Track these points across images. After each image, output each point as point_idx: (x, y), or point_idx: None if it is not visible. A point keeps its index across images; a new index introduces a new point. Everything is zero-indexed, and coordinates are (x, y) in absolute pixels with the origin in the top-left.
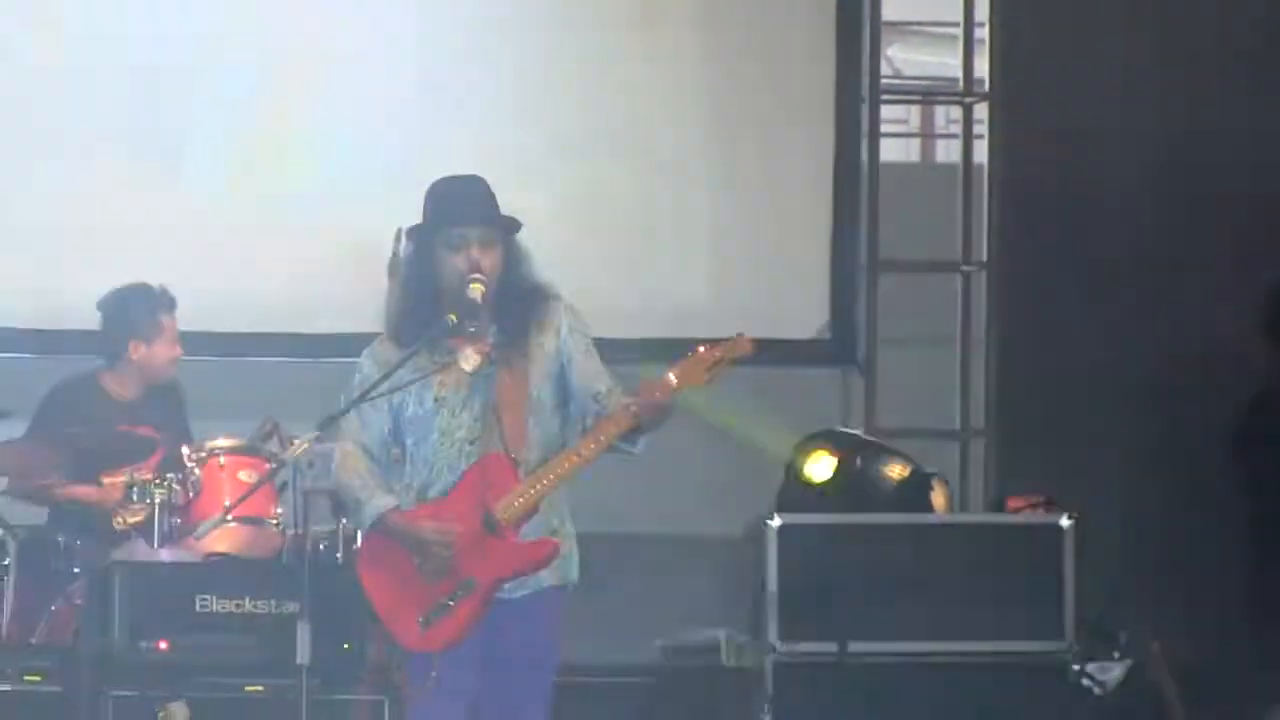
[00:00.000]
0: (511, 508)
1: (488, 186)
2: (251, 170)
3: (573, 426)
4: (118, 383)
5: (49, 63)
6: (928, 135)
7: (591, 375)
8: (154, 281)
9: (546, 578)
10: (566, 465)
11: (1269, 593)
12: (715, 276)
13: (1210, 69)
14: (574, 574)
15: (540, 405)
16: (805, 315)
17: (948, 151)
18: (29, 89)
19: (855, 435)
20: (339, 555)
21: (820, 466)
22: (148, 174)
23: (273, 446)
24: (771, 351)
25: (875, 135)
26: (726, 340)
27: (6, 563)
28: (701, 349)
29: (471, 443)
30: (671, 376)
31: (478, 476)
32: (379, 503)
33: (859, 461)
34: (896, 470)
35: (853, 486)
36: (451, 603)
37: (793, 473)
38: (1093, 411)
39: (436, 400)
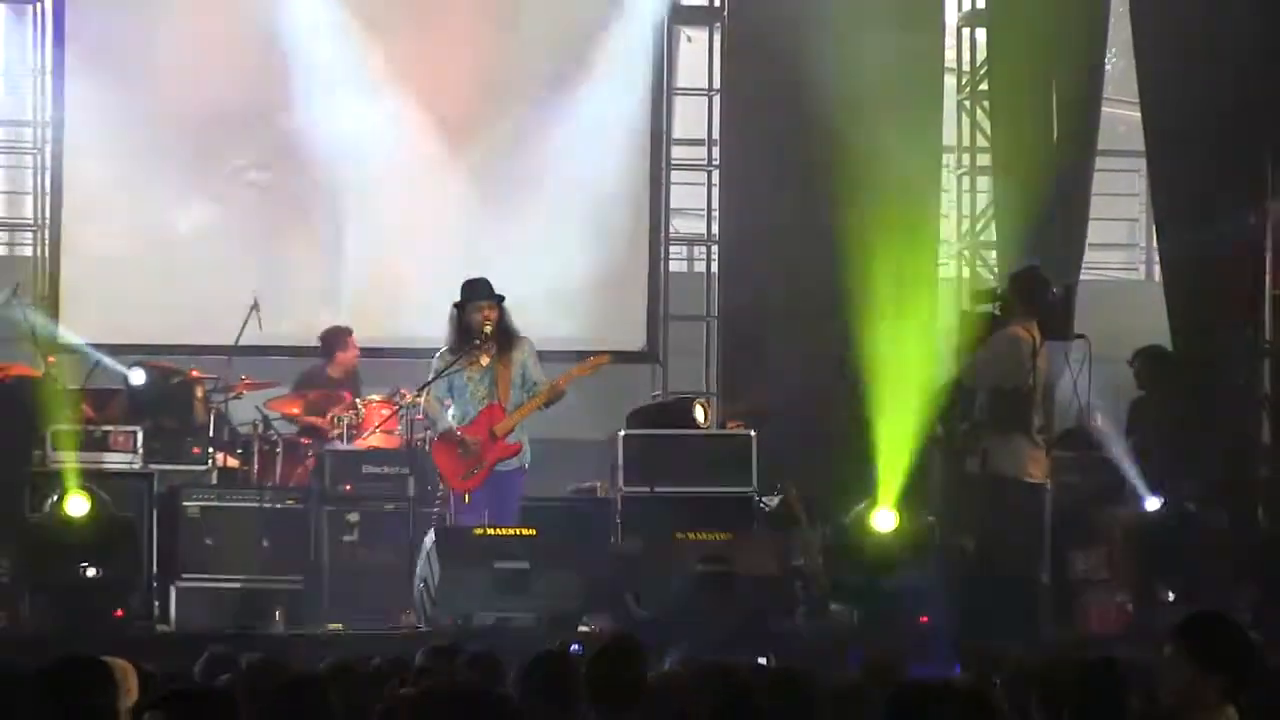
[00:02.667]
0: (502, 428)
1: (488, 280)
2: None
3: (527, 394)
4: (331, 370)
5: None
6: (690, 260)
7: (536, 374)
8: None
9: (516, 462)
10: (523, 412)
11: None
12: (589, 322)
13: None
14: (528, 459)
15: (515, 384)
16: (634, 339)
17: (702, 265)
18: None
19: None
20: (428, 448)
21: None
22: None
23: (396, 398)
24: (618, 356)
25: (667, 258)
26: (599, 355)
27: (279, 450)
28: (588, 359)
29: (483, 399)
30: (574, 371)
31: (487, 414)
32: (447, 422)
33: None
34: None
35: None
36: (475, 471)
37: None
38: (775, 382)
39: (468, 379)
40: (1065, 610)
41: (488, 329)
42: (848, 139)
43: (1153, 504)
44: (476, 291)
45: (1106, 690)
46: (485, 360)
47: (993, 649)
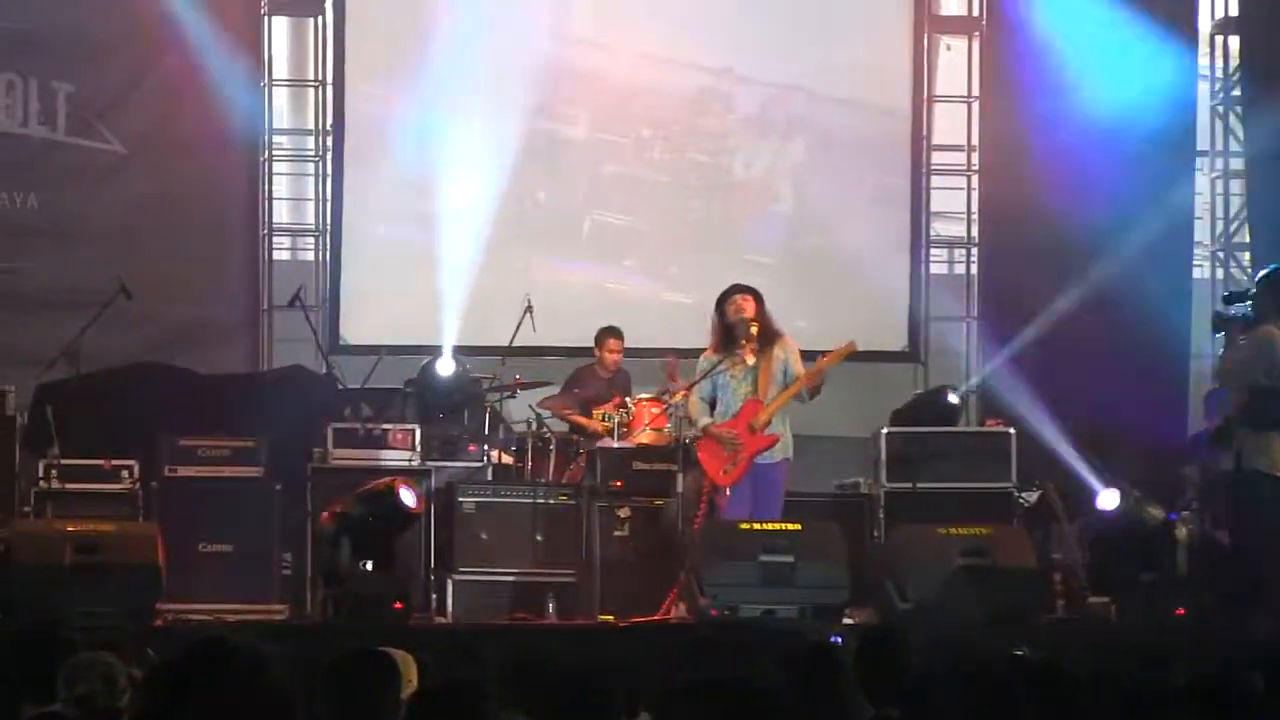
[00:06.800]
0: (760, 421)
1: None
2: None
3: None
4: (598, 367)
5: None
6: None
7: (798, 371)
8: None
9: (778, 454)
10: (779, 401)
11: None
12: (854, 324)
13: None
14: (790, 453)
15: (775, 380)
16: (896, 339)
17: (959, 269)
18: None
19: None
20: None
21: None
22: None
23: (665, 397)
24: (881, 356)
25: (927, 264)
26: (845, 345)
27: (551, 447)
28: (835, 349)
29: (745, 396)
30: (823, 361)
31: (748, 409)
32: (708, 420)
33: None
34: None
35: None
36: (735, 464)
37: None
38: (1032, 379)
39: (731, 377)
40: None
41: (746, 317)
42: (1102, 144)
43: None
44: (732, 287)
45: None
46: (749, 359)
47: (1251, 645)
